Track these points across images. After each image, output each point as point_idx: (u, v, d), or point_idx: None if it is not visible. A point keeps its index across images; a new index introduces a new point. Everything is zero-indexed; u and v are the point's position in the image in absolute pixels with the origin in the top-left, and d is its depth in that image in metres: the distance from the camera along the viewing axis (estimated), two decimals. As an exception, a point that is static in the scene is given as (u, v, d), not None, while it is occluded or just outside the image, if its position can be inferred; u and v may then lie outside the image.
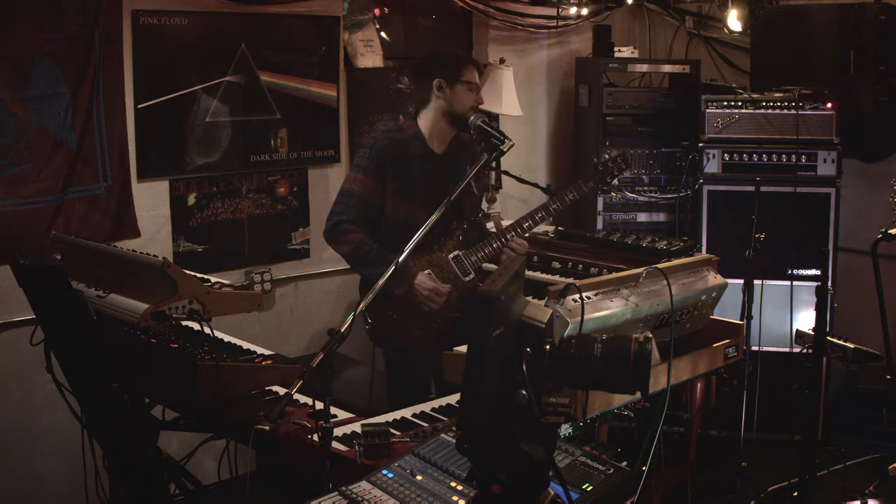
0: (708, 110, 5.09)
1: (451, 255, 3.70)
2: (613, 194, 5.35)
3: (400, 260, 2.86)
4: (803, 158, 4.98)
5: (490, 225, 4.08)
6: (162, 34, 4.28)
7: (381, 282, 2.82)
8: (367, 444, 2.47)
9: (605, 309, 2.89)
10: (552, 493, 1.69)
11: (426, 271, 3.64)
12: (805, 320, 4.76)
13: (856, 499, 3.65)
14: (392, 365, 3.86)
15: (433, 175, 3.65)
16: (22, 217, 3.95)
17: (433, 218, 2.98)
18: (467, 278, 3.69)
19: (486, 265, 3.80)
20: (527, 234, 3.80)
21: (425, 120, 3.74)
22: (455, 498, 2.15)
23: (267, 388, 2.99)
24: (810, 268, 4.93)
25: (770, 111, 5.02)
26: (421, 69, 3.84)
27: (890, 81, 4.90)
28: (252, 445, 2.66)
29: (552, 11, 5.67)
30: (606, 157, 3.95)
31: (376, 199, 3.66)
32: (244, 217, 4.70)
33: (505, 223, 3.85)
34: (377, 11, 5.16)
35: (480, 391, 1.54)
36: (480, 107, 3.72)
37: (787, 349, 4.84)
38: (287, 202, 4.85)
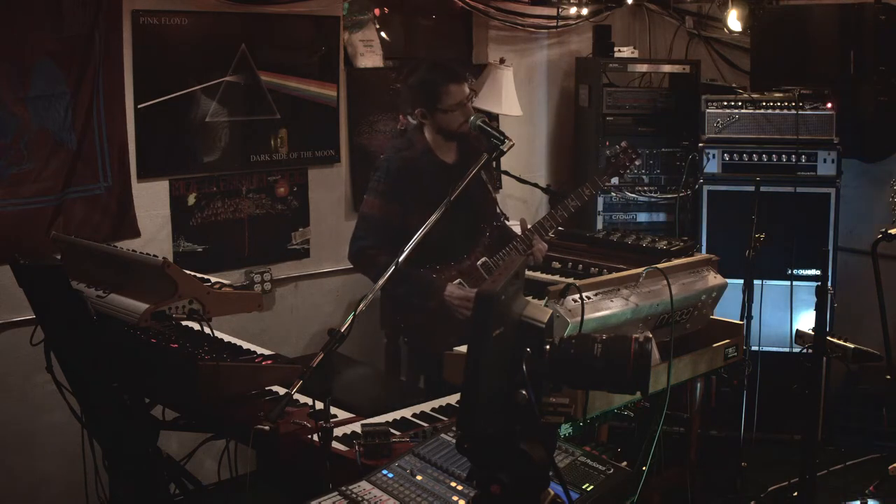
0: (708, 110, 5.09)
1: (480, 262, 3.73)
2: (613, 194, 5.35)
3: (400, 260, 2.86)
4: (803, 158, 4.98)
5: (515, 225, 4.08)
6: (162, 34, 4.28)
7: (380, 282, 2.83)
8: (367, 444, 2.47)
9: (605, 309, 2.89)
10: (552, 493, 1.69)
11: (456, 281, 3.67)
12: (805, 320, 4.75)
13: (856, 499, 3.65)
14: (433, 373, 3.86)
15: (447, 186, 3.59)
16: (22, 217, 3.95)
17: (433, 218, 2.99)
18: None
19: None
20: (550, 234, 3.82)
21: (428, 133, 3.77)
22: (455, 498, 2.15)
23: (267, 388, 2.99)
24: (810, 268, 4.93)
25: (770, 111, 5.02)
26: (404, 98, 3.86)
27: (890, 81, 4.89)
28: (252, 445, 2.66)
29: (552, 11, 5.67)
30: (617, 148, 3.96)
31: (395, 220, 3.66)
32: (244, 217, 4.70)
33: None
34: (377, 11, 5.16)
35: (480, 391, 1.54)
36: (481, 107, 3.71)
37: (787, 349, 4.83)
38: (287, 202, 4.85)
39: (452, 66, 3.77)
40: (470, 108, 3.71)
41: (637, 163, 3.97)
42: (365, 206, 3.78)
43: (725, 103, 5.08)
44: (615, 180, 4.86)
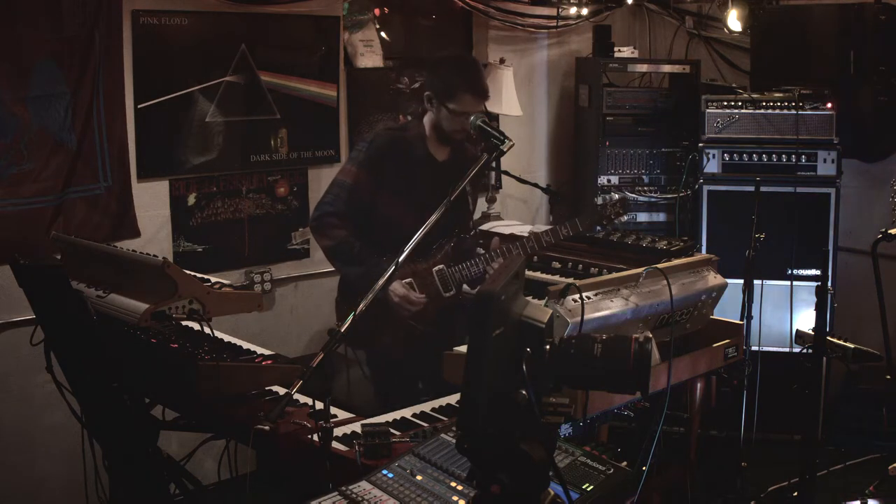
0: (708, 110, 5.09)
1: (436, 269, 3.64)
2: (614, 195, 5.34)
3: (400, 260, 2.85)
4: (803, 158, 4.98)
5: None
6: (162, 34, 4.28)
7: (380, 282, 2.80)
8: (367, 444, 2.47)
9: (605, 309, 2.89)
10: (552, 493, 1.69)
11: (407, 280, 3.59)
12: (805, 320, 4.75)
13: (856, 499, 3.64)
14: (374, 368, 3.83)
15: (431, 181, 3.55)
16: (22, 217, 3.95)
17: (433, 217, 2.95)
18: (447, 294, 3.63)
19: (466, 288, 3.74)
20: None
21: (426, 122, 3.69)
22: (455, 498, 2.14)
23: (267, 388, 2.99)
24: (810, 268, 4.93)
25: (770, 111, 5.02)
26: (427, 72, 3.78)
27: (890, 81, 4.89)
28: (252, 445, 2.66)
29: (552, 11, 5.67)
30: (607, 199, 3.91)
31: (365, 194, 3.61)
32: (244, 217, 4.70)
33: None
34: (377, 11, 5.16)
35: (480, 391, 1.54)
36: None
37: (787, 349, 4.83)
38: (287, 202, 4.85)
39: (482, 78, 3.63)
40: (466, 128, 3.57)
41: (624, 219, 3.92)
42: (340, 173, 3.69)
43: (725, 103, 5.08)
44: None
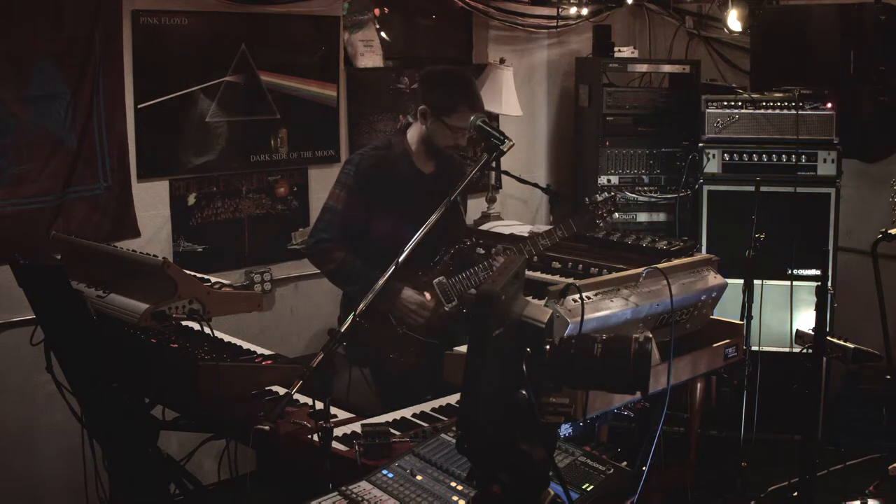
0: (708, 110, 5.09)
1: (436, 281, 3.62)
2: (614, 194, 5.34)
3: (400, 260, 2.84)
4: (803, 158, 4.98)
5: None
6: (162, 34, 4.28)
7: (381, 281, 2.80)
8: (367, 444, 2.47)
9: (605, 309, 2.89)
10: (552, 493, 1.69)
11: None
12: (805, 320, 4.75)
13: (856, 499, 3.64)
14: (380, 384, 3.81)
15: (420, 196, 3.48)
16: (22, 217, 3.95)
17: (433, 217, 2.95)
18: (449, 306, 3.62)
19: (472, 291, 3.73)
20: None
21: (411, 137, 3.66)
22: (455, 498, 2.14)
23: (267, 388, 2.99)
24: (810, 268, 4.93)
25: (770, 111, 5.02)
26: (421, 84, 3.77)
27: (890, 81, 4.90)
28: (252, 445, 2.66)
29: (552, 11, 5.67)
30: (598, 198, 3.91)
31: (358, 217, 3.59)
32: (244, 217, 4.70)
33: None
34: (377, 11, 5.16)
35: (480, 391, 1.54)
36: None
37: (787, 349, 4.83)
38: (287, 202, 4.85)
39: (479, 94, 3.64)
40: (461, 143, 3.61)
41: (616, 216, 3.95)
42: (330, 198, 3.65)
43: (725, 103, 5.08)
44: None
